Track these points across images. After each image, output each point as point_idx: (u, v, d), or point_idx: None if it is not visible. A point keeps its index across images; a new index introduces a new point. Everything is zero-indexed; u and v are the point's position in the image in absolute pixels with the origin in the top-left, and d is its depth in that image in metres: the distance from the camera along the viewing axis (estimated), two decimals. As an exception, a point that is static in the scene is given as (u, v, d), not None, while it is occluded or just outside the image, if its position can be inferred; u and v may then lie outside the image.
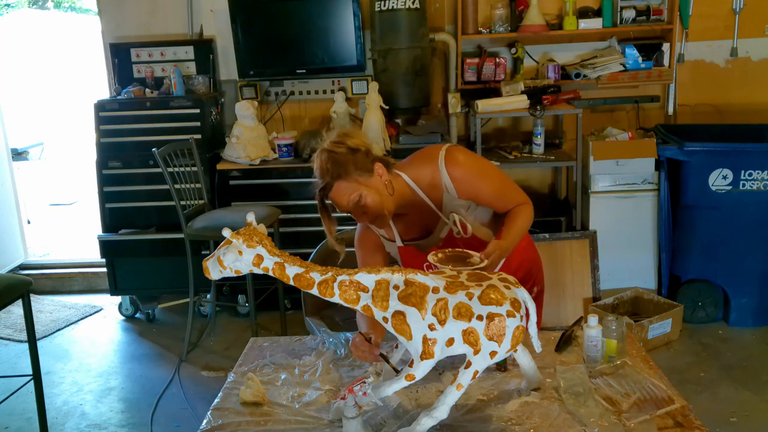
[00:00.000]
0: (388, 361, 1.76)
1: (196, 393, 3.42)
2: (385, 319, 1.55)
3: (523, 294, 1.59)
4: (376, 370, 1.88)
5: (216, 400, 1.79)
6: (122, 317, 4.41)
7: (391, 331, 1.55)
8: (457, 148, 2.01)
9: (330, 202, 1.93)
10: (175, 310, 4.46)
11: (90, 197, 6.36)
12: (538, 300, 2.28)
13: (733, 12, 4.20)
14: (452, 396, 1.56)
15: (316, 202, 1.93)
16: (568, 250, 3.89)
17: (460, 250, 1.87)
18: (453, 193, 1.98)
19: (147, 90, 4.26)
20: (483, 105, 3.90)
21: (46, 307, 4.59)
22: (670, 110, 4.34)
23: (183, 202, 3.62)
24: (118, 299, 4.42)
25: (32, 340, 2.89)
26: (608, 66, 4.06)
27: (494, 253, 1.84)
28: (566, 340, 1.98)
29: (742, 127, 4.11)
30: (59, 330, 4.26)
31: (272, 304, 3.99)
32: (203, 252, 4.00)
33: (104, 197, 4.14)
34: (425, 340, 1.53)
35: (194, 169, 3.77)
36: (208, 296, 4.10)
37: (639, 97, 4.30)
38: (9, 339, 4.13)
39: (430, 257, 1.80)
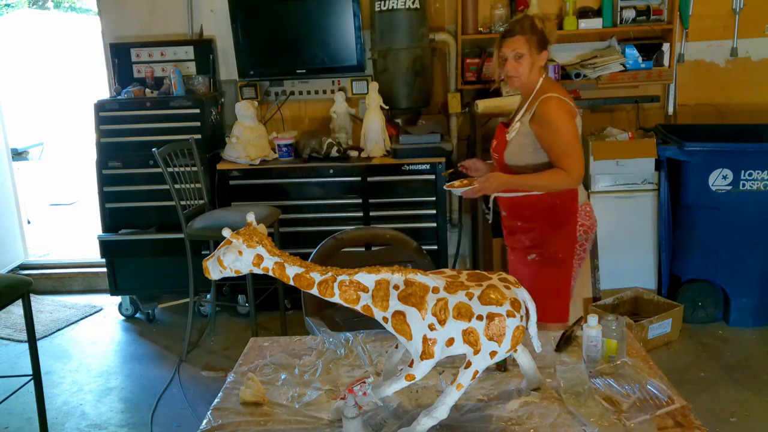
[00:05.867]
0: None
1: (196, 393, 3.42)
2: (385, 319, 1.55)
3: (523, 294, 1.59)
4: (376, 370, 1.89)
5: (216, 400, 1.79)
6: (122, 317, 4.41)
7: (391, 331, 1.55)
8: (561, 102, 2.49)
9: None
10: (175, 310, 4.46)
11: (90, 197, 6.36)
12: (536, 266, 2.62)
13: (733, 12, 4.20)
14: (452, 396, 1.56)
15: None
16: (568, 250, 3.89)
17: (471, 178, 2.62)
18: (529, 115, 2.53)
19: (147, 90, 4.26)
20: (483, 105, 3.90)
21: (46, 307, 4.60)
22: (670, 110, 4.34)
23: (183, 202, 3.62)
24: (118, 299, 4.42)
25: (32, 340, 2.89)
26: (608, 66, 4.06)
27: (486, 181, 2.50)
28: (566, 340, 1.98)
29: (742, 127, 4.11)
30: (59, 330, 4.26)
31: (272, 304, 3.99)
32: (203, 252, 4.00)
33: (104, 197, 4.14)
34: (425, 340, 1.53)
35: (194, 169, 3.77)
36: (208, 296, 4.10)
37: (639, 97, 4.30)
38: (9, 339, 4.13)
39: (446, 185, 2.61)
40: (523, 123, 2.53)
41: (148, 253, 4.16)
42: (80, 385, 3.60)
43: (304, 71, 4.26)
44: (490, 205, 2.82)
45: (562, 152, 2.47)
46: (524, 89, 2.58)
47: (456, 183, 2.61)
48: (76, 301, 4.72)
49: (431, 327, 1.52)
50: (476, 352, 1.53)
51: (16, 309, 4.31)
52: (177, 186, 3.60)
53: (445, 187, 2.61)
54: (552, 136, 2.47)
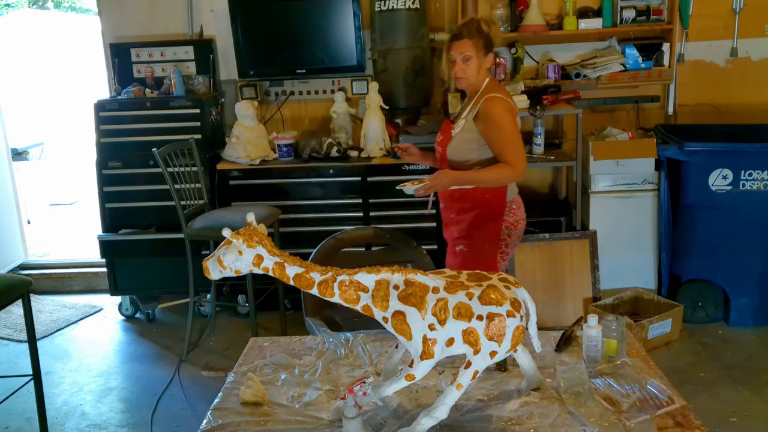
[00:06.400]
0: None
1: (196, 393, 3.42)
2: (385, 319, 1.56)
3: (523, 294, 1.59)
4: (376, 370, 1.89)
5: (216, 400, 1.79)
6: (122, 317, 4.41)
7: (391, 331, 1.56)
8: (503, 102, 2.63)
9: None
10: (175, 310, 4.46)
11: (90, 197, 6.36)
12: (462, 256, 2.78)
13: (733, 12, 4.20)
14: (452, 396, 1.56)
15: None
16: (568, 250, 3.89)
17: (423, 177, 2.71)
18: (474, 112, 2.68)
19: (147, 90, 4.26)
20: (483, 105, 3.90)
21: (46, 307, 4.59)
22: (670, 110, 4.34)
23: (183, 202, 3.62)
24: (118, 299, 4.42)
25: (32, 340, 2.89)
26: (608, 66, 4.06)
27: (435, 178, 2.58)
28: (566, 340, 1.98)
29: (742, 127, 4.11)
30: (59, 330, 4.26)
31: (272, 304, 3.98)
32: (203, 252, 4.00)
33: (104, 197, 4.14)
34: (425, 340, 1.53)
35: (194, 169, 3.77)
36: (208, 296, 4.10)
37: (639, 97, 4.30)
38: (9, 339, 4.13)
39: (398, 186, 2.66)
40: (468, 120, 2.67)
41: (148, 253, 4.16)
42: (80, 385, 3.60)
43: (304, 71, 4.26)
44: (431, 198, 2.96)
45: (506, 147, 2.61)
46: (471, 89, 2.73)
47: (407, 183, 2.70)
48: (76, 301, 4.71)
49: (431, 327, 1.53)
50: (476, 352, 1.54)
51: (16, 309, 4.31)
52: (177, 186, 3.60)
53: (397, 187, 2.69)
54: (496, 133, 2.62)
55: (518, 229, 2.79)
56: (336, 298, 1.57)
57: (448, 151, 2.73)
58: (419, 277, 1.56)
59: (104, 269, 4.35)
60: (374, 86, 3.98)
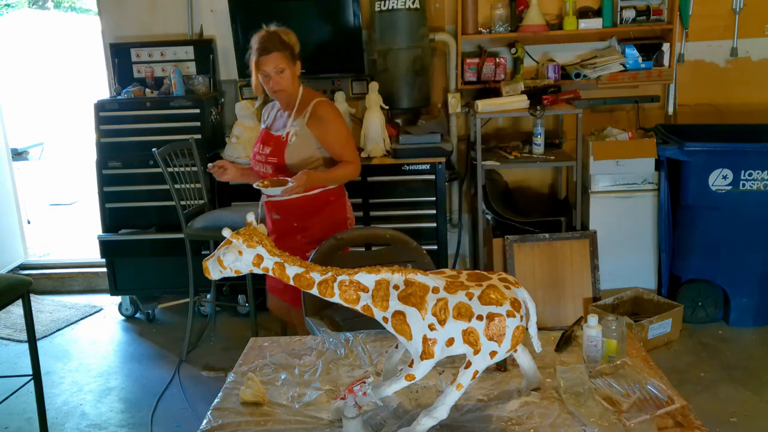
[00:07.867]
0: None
1: (196, 393, 3.42)
2: (385, 319, 1.55)
3: (523, 294, 1.59)
4: (376, 370, 1.89)
5: (216, 400, 1.79)
6: (122, 317, 4.41)
7: (391, 331, 1.55)
8: (331, 104, 2.83)
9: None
10: (175, 310, 4.46)
11: (90, 197, 6.36)
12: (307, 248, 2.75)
13: (733, 12, 4.20)
14: (452, 396, 1.56)
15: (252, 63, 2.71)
16: (568, 250, 3.90)
17: (281, 178, 2.70)
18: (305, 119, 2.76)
19: (147, 90, 4.26)
20: (483, 105, 3.90)
21: (46, 307, 4.60)
22: (670, 110, 4.34)
23: (183, 202, 3.62)
24: (118, 299, 4.42)
25: (32, 340, 2.90)
26: (608, 66, 4.06)
27: (301, 178, 2.63)
28: (566, 340, 1.98)
29: (742, 127, 4.11)
30: (59, 330, 4.26)
31: (272, 304, 3.98)
32: (203, 252, 4.00)
33: (104, 197, 4.14)
34: (425, 340, 1.53)
35: (194, 169, 3.77)
36: (208, 296, 4.10)
37: (639, 97, 4.30)
38: (9, 339, 4.14)
39: (256, 184, 2.69)
40: (301, 126, 2.75)
41: (148, 253, 4.16)
42: (80, 385, 3.60)
43: (304, 71, 4.22)
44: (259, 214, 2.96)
45: (344, 147, 2.80)
46: (290, 99, 2.80)
47: (260, 184, 2.69)
48: (76, 301, 4.71)
49: (431, 327, 1.52)
50: (476, 352, 1.54)
51: (16, 309, 4.31)
52: (177, 186, 3.60)
53: (255, 186, 2.72)
54: (334, 135, 2.77)
55: (353, 221, 3.01)
56: (336, 298, 1.57)
57: (287, 157, 2.76)
58: (419, 277, 1.56)
59: (104, 269, 4.35)
60: (374, 86, 3.98)
